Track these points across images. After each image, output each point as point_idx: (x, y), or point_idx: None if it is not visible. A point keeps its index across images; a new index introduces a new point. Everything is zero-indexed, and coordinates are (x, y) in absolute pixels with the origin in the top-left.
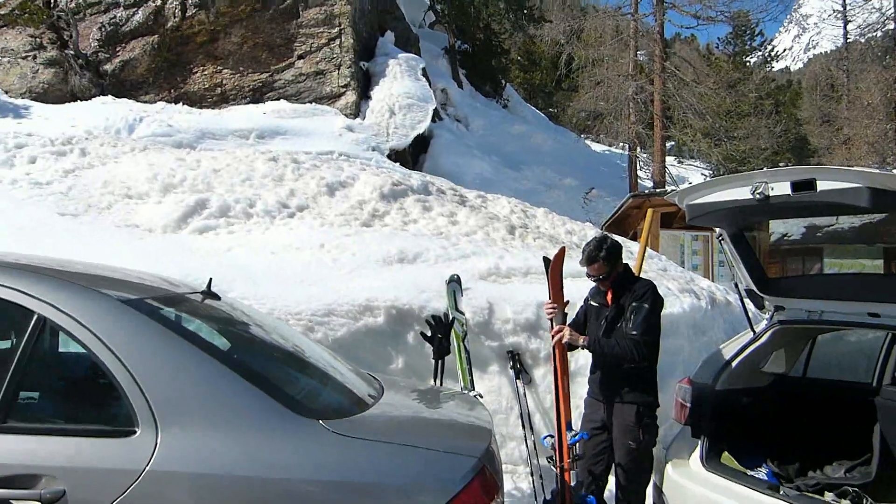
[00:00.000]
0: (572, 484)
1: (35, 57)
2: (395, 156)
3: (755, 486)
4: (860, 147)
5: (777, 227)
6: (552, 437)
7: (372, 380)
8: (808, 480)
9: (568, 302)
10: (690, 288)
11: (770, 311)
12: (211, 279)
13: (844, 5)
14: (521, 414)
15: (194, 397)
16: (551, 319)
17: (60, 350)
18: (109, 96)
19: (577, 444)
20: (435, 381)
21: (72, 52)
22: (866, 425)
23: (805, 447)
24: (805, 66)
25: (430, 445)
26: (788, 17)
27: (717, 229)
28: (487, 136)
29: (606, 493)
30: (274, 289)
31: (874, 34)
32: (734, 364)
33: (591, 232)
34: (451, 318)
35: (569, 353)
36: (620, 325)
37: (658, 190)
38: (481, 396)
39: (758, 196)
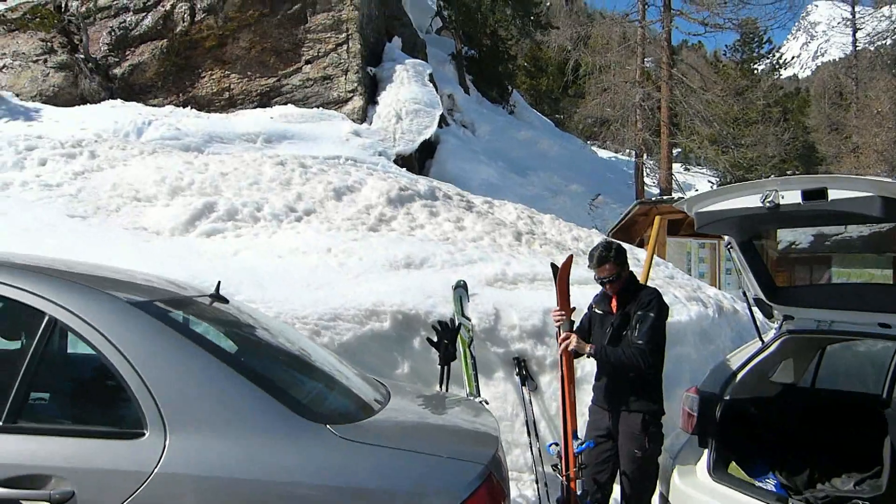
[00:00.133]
0: (578, 492)
1: (46, 61)
2: (402, 161)
3: (763, 497)
4: (869, 155)
5: (785, 236)
6: (557, 444)
7: (378, 385)
8: (816, 493)
9: (574, 309)
10: (697, 296)
11: (779, 321)
12: (219, 282)
13: (854, 13)
14: (527, 421)
15: (202, 400)
16: (559, 326)
17: (69, 351)
18: (118, 100)
19: (583, 453)
20: (441, 386)
21: (82, 56)
22: (876, 437)
23: (814, 458)
24: (813, 74)
25: (436, 451)
26: (797, 24)
27: (726, 237)
28: (494, 142)
29: (611, 502)
30: (281, 293)
31: (884, 42)
32: (742, 373)
33: (598, 238)
34: (457, 323)
35: (575, 361)
36: (626, 333)
37: (665, 197)
38: (487, 403)
39: (768, 204)
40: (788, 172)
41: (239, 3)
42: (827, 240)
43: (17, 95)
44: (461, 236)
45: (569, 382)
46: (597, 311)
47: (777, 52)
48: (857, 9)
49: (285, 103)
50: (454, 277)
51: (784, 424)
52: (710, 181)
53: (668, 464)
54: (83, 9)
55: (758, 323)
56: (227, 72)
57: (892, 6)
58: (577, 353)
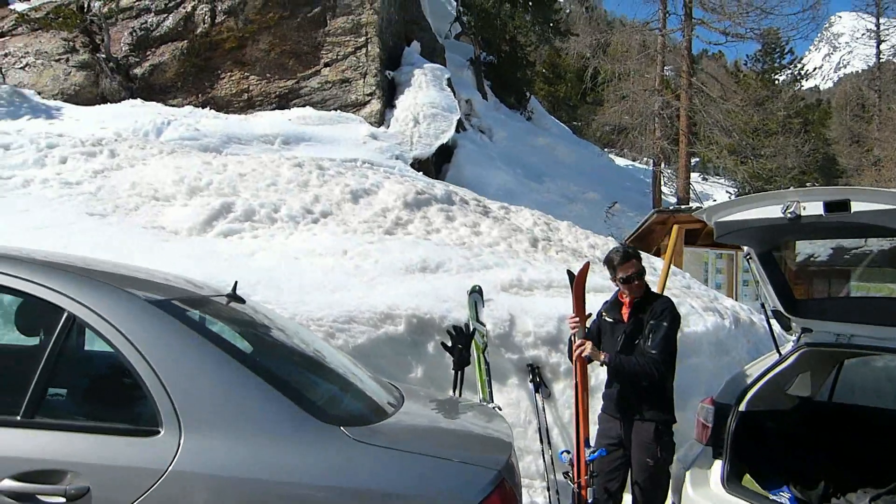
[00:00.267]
0: (589, 500)
1: (68, 60)
2: (419, 165)
3: None
4: (891, 168)
5: (803, 248)
6: (569, 452)
7: (392, 388)
8: None
9: (590, 315)
10: (714, 306)
11: (797, 333)
12: (236, 282)
13: (878, 25)
14: (540, 428)
15: (217, 399)
16: (573, 334)
17: (87, 348)
18: (139, 99)
19: (595, 461)
20: (454, 391)
21: (103, 56)
22: (893, 453)
23: (829, 473)
24: (835, 86)
25: (450, 456)
26: (819, 35)
27: (745, 248)
28: (511, 148)
29: None
30: (296, 294)
31: None
32: (758, 385)
33: (614, 246)
34: (472, 329)
35: (588, 368)
36: (639, 342)
37: (683, 206)
38: (500, 409)
39: (789, 215)
40: (808, 184)
41: (259, 5)
42: (846, 253)
43: (39, 94)
44: (477, 241)
45: (582, 390)
46: (606, 318)
47: (799, 62)
48: (881, 20)
49: (303, 105)
50: (469, 282)
51: (800, 438)
52: (728, 191)
53: (681, 474)
54: (105, 9)
55: (775, 335)
56: (246, 73)
57: None
58: (589, 360)
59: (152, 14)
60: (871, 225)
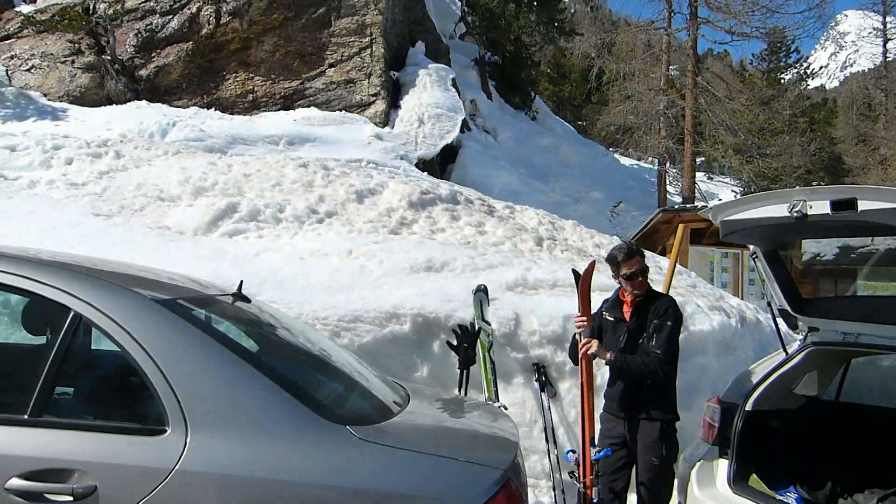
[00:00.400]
0: (594, 500)
1: (73, 61)
2: (424, 165)
3: None
4: None
5: (809, 247)
6: (574, 452)
7: (397, 387)
8: None
9: (596, 315)
10: (720, 305)
11: (803, 332)
12: (242, 282)
13: (885, 23)
14: (545, 427)
15: (223, 398)
16: (579, 333)
17: (93, 347)
18: (144, 101)
19: (600, 461)
20: (460, 391)
21: (108, 58)
22: None
23: (836, 473)
24: (841, 85)
25: (456, 456)
26: (825, 34)
27: (752, 247)
28: (515, 148)
29: None
30: (301, 294)
31: None
32: (765, 385)
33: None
34: (477, 328)
35: (594, 367)
36: (642, 341)
37: (689, 205)
38: (505, 408)
39: (795, 214)
40: (814, 183)
41: (264, 6)
42: (852, 252)
43: (45, 95)
44: (482, 241)
45: (588, 389)
46: (608, 317)
47: (805, 61)
48: (888, 19)
49: (308, 106)
50: (474, 282)
51: (807, 437)
52: (733, 191)
53: (687, 474)
54: (110, 11)
55: (782, 334)
56: (251, 74)
57: None
58: (593, 357)
59: (157, 15)
60: (878, 224)
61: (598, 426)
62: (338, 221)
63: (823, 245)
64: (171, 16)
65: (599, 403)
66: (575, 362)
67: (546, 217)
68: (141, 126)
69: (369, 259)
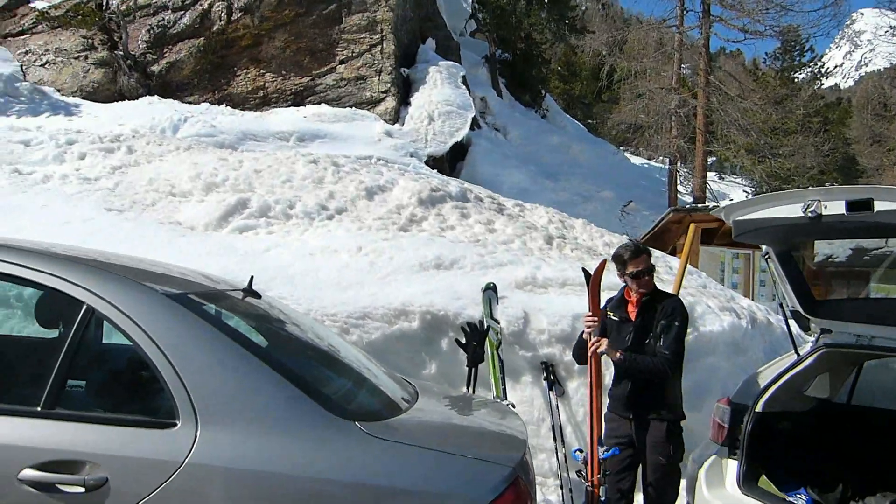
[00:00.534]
0: (602, 499)
1: (86, 57)
2: (433, 162)
3: None
4: None
5: (822, 249)
6: (582, 451)
7: (406, 384)
8: None
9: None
10: (731, 306)
11: (816, 334)
12: (252, 277)
13: None
14: (553, 426)
15: (233, 393)
16: (589, 332)
17: (105, 341)
18: (156, 96)
19: (607, 460)
20: (468, 388)
21: (121, 53)
22: None
23: (847, 476)
24: (856, 84)
25: (464, 453)
26: (840, 32)
27: (764, 247)
28: (525, 146)
29: None
30: (311, 290)
31: None
32: (776, 386)
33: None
34: (485, 326)
35: (603, 366)
36: (649, 341)
37: (700, 205)
38: (514, 406)
39: (810, 214)
40: (828, 184)
41: (275, 2)
42: (866, 254)
43: (59, 91)
44: (492, 238)
45: (596, 388)
46: (612, 317)
47: (819, 60)
48: None
49: (319, 103)
50: (484, 279)
51: (817, 439)
52: (745, 191)
53: (696, 475)
54: (123, 7)
55: (793, 335)
56: (261, 71)
57: None
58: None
59: (169, 11)
60: (895, 225)
61: (603, 426)
62: (347, 218)
63: (836, 246)
64: (182, 12)
65: (608, 402)
66: (579, 361)
67: (556, 215)
68: (153, 122)
69: (379, 256)
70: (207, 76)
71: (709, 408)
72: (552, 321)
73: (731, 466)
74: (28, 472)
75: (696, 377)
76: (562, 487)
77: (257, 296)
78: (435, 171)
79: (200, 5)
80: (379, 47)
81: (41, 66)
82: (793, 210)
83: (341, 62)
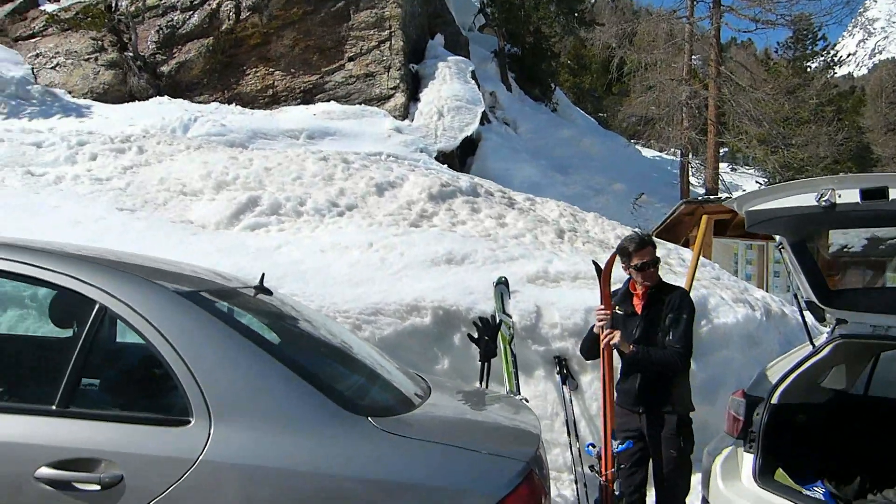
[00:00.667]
0: (616, 493)
1: (97, 59)
2: (443, 158)
3: None
4: None
5: (836, 238)
6: (595, 446)
7: (419, 379)
8: (867, 503)
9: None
10: (745, 298)
11: (831, 325)
12: (263, 274)
13: None
14: (567, 420)
15: (246, 390)
16: (601, 326)
17: (118, 339)
18: (165, 97)
19: (621, 454)
20: (481, 383)
21: (131, 55)
22: None
23: (864, 468)
24: (870, 73)
25: (478, 448)
26: (853, 21)
27: (778, 237)
28: (536, 140)
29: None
30: (322, 287)
31: None
32: (791, 378)
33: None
34: (498, 320)
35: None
36: (658, 334)
37: (713, 197)
38: (527, 401)
39: (823, 203)
40: (841, 173)
41: (283, 1)
42: (882, 243)
43: (70, 93)
44: (503, 233)
45: (609, 381)
46: (618, 311)
47: (832, 49)
48: None
49: (328, 100)
50: (495, 274)
51: (834, 431)
52: (757, 181)
53: (711, 468)
54: (132, 8)
55: (809, 326)
56: (270, 69)
57: None
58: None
59: (178, 12)
60: None
61: None
62: (358, 214)
63: (851, 236)
64: (191, 12)
65: None
66: (587, 357)
67: (567, 209)
68: (163, 122)
69: (390, 252)
70: (217, 76)
71: (723, 401)
72: (564, 315)
73: (747, 459)
74: (44, 471)
75: (711, 370)
76: (576, 482)
77: (269, 293)
78: (445, 166)
79: (209, 5)
80: (387, 44)
81: (52, 68)
82: (806, 199)
83: (350, 59)
